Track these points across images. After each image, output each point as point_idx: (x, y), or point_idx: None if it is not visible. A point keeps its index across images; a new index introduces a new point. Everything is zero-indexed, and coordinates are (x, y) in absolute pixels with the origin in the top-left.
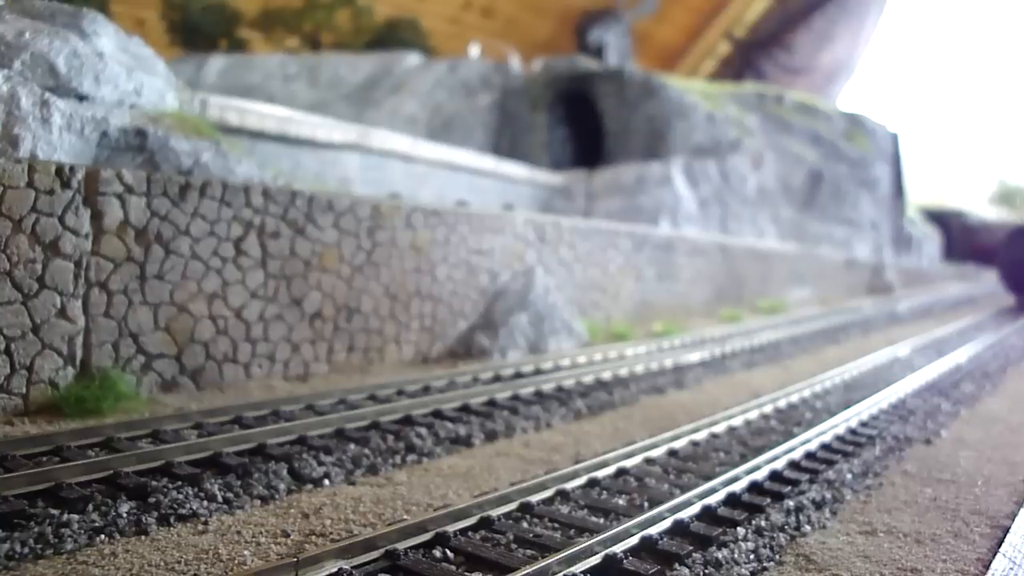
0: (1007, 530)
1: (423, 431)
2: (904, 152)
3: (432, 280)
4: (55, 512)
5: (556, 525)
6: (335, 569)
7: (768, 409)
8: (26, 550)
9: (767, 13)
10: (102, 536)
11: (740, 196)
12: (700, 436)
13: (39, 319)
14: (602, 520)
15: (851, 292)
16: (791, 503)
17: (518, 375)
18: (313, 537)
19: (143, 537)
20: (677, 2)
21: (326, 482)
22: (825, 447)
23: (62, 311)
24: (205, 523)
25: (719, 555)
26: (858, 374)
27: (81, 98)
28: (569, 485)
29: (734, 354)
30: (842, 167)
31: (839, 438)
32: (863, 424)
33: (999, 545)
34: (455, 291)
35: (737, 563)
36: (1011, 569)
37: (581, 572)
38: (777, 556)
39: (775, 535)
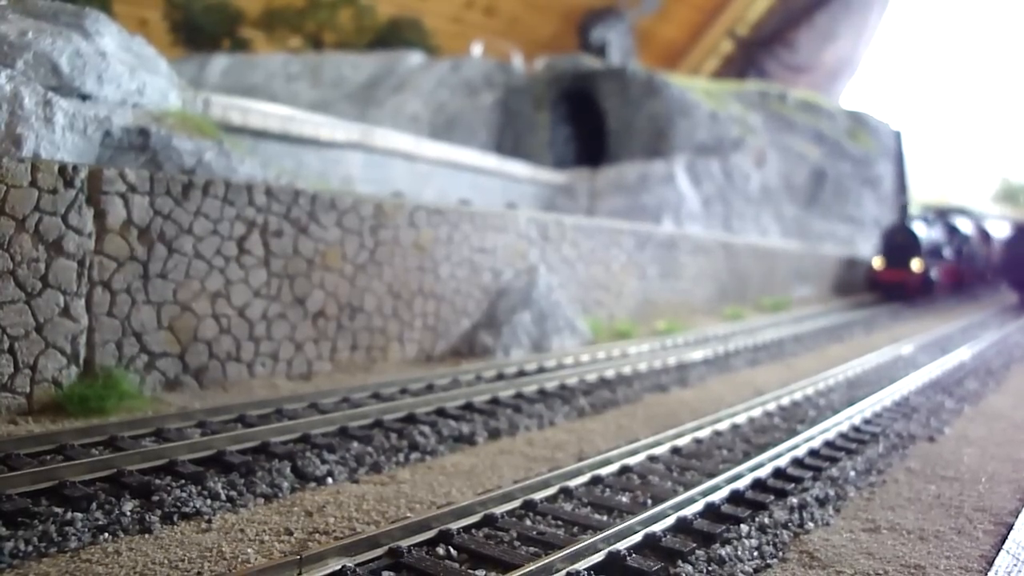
0: (1011, 527)
1: (426, 429)
2: (907, 150)
3: (435, 279)
4: (59, 510)
5: (560, 522)
6: (338, 567)
7: (771, 407)
8: (30, 548)
9: (770, 11)
10: (106, 534)
11: (743, 194)
12: (704, 434)
13: (42, 318)
14: (606, 517)
15: (854, 290)
16: (794, 500)
17: (521, 373)
18: (316, 535)
19: (147, 535)
20: (679, 0)
21: (329, 480)
22: (828, 444)
23: (65, 310)
24: (209, 521)
25: (723, 552)
26: (861, 372)
27: (84, 97)
28: (573, 483)
29: (737, 352)
30: (845, 165)
31: (842, 435)
32: (866, 421)
33: (1003, 542)
34: (458, 289)
35: (740, 560)
36: (1015, 566)
37: (585, 569)
38: (780, 553)
39: (778, 532)
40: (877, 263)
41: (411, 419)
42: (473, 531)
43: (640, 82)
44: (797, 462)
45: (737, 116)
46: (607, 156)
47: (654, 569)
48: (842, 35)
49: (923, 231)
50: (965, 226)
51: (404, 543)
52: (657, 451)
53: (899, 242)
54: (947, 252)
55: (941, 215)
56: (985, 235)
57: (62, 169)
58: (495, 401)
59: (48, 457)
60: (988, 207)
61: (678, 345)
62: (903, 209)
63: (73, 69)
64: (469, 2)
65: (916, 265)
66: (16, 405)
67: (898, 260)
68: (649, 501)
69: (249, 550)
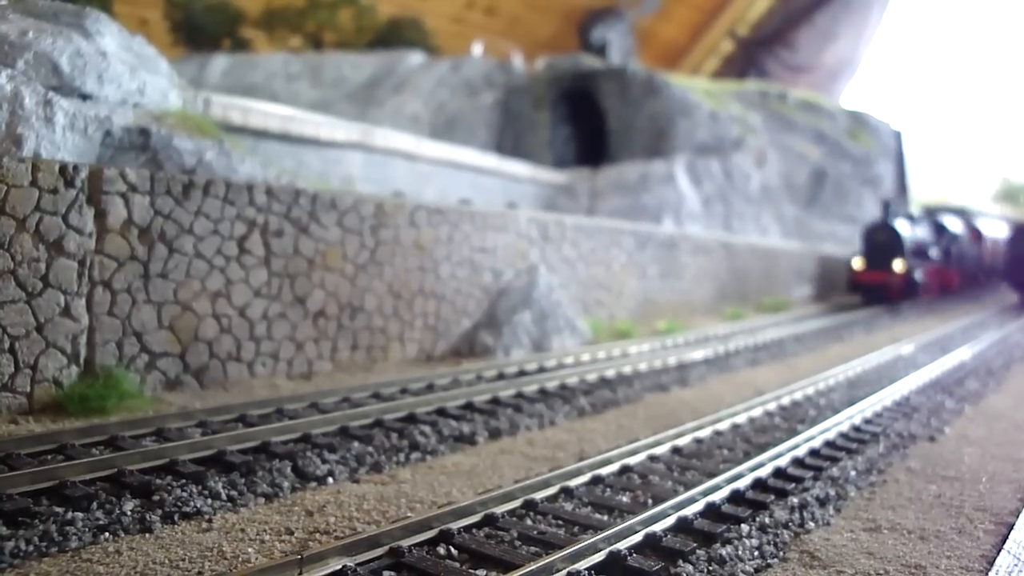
0: (1011, 527)
1: (427, 429)
2: (907, 150)
3: (435, 278)
4: (59, 510)
5: (560, 522)
6: (339, 566)
7: (772, 406)
8: (31, 548)
9: (770, 11)
10: (106, 534)
11: (743, 194)
12: (704, 433)
13: (43, 318)
14: (606, 517)
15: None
16: (795, 500)
17: (522, 373)
18: (317, 535)
19: (147, 535)
20: (680, 0)
21: (330, 480)
22: (829, 444)
23: (66, 310)
24: (209, 521)
25: (723, 552)
26: (862, 371)
27: (84, 97)
28: (573, 482)
29: (738, 352)
30: (845, 165)
31: (843, 435)
32: (867, 421)
33: (1003, 542)
34: (459, 289)
35: (741, 560)
36: (1015, 565)
37: (585, 569)
38: (781, 553)
39: (779, 532)
40: (857, 263)
41: (412, 419)
42: (474, 531)
43: (640, 82)
44: (798, 462)
45: (737, 116)
46: (607, 156)
47: (655, 569)
48: (842, 35)
49: (906, 229)
50: (954, 225)
51: (405, 543)
52: (658, 451)
53: (880, 241)
54: (934, 252)
55: (929, 213)
56: (977, 234)
57: (63, 169)
58: (496, 401)
59: (49, 457)
60: (988, 207)
61: (678, 345)
62: (886, 206)
63: (73, 69)
64: (469, 2)
65: (898, 266)
66: (17, 405)
67: (879, 260)
68: (650, 501)
69: (250, 550)
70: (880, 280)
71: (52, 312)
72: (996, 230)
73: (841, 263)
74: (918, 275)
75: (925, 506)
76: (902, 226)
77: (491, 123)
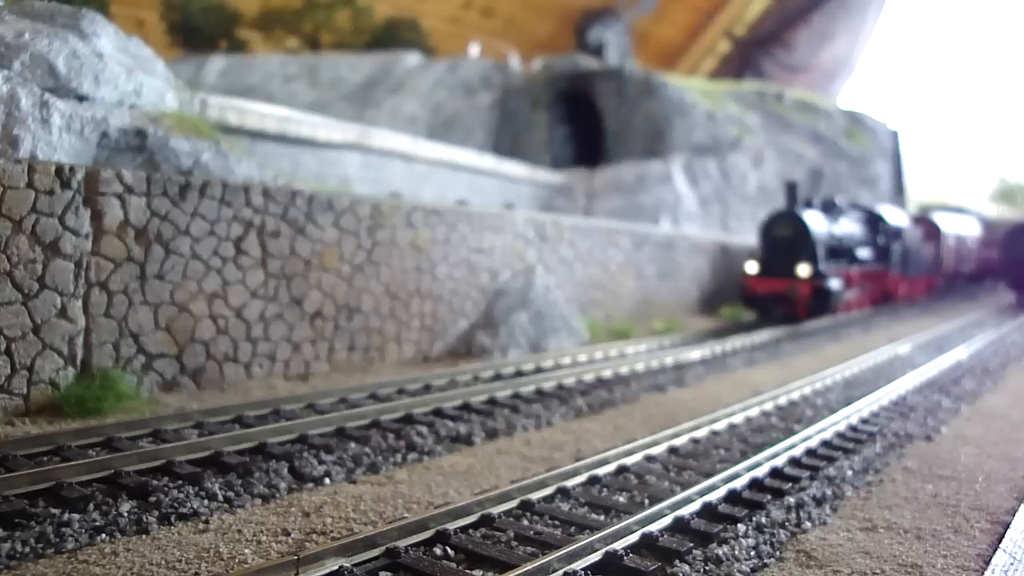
0: (1007, 526)
1: (424, 429)
2: (904, 150)
3: (432, 279)
4: (56, 511)
5: (557, 522)
6: (336, 567)
7: (769, 406)
8: (27, 549)
9: (767, 11)
10: (103, 535)
11: (740, 194)
12: (701, 433)
13: (39, 319)
14: (603, 517)
15: None
16: (792, 500)
17: (519, 373)
18: (314, 535)
19: (144, 536)
20: (677, 1)
21: (327, 481)
22: (826, 444)
23: (62, 311)
24: (206, 522)
25: (720, 552)
26: (859, 371)
27: (81, 98)
28: (570, 483)
29: (735, 352)
30: (842, 165)
31: (840, 435)
32: (864, 421)
33: (999, 541)
34: (455, 290)
35: (738, 560)
36: (1011, 564)
37: (582, 569)
38: (778, 553)
39: (776, 532)
40: (751, 268)
41: (408, 419)
42: (470, 531)
43: (637, 82)
44: (794, 462)
45: (734, 116)
46: (604, 156)
47: (651, 569)
48: (839, 35)
49: (819, 223)
50: (897, 218)
51: (401, 543)
52: (654, 451)
53: (781, 238)
54: (864, 252)
55: (856, 205)
56: (934, 231)
57: (59, 170)
58: (492, 401)
59: (45, 458)
60: (986, 207)
61: (676, 345)
62: (791, 190)
63: (70, 70)
64: (466, 2)
65: (804, 271)
66: (13, 406)
67: (779, 264)
68: (646, 501)
69: (246, 551)
70: (780, 290)
71: (48, 313)
72: (963, 227)
73: None
74: (834, 284)
75: (922, 505)
76: (813, 218)
77: (488, 124)
